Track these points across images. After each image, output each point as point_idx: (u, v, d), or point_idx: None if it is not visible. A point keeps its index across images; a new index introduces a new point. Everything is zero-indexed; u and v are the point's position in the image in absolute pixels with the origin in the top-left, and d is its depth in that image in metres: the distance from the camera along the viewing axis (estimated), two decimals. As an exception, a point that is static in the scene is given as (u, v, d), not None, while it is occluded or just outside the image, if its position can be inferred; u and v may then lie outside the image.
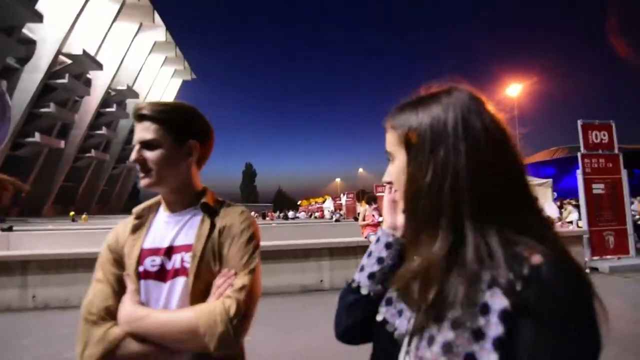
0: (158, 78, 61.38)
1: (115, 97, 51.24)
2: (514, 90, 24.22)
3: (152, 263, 0.96)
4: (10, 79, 33.12)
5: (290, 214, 44.38)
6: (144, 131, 0.98)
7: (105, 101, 48.02)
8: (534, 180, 12.50)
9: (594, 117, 8.02)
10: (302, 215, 45.12)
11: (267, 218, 41.59)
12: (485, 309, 0.51)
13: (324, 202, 48.72)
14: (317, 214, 44.65)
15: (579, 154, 7.89)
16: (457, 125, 0.59)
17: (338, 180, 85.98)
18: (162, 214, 1.05)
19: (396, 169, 0.68)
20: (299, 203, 76.12)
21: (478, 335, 0.50)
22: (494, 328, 0.50)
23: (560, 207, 13.18)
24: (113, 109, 50.33)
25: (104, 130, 49.22)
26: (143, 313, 0.89)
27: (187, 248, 0.96)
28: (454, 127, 0.59)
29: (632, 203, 9.54)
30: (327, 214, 38.93)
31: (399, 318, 0.64)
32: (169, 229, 1.01)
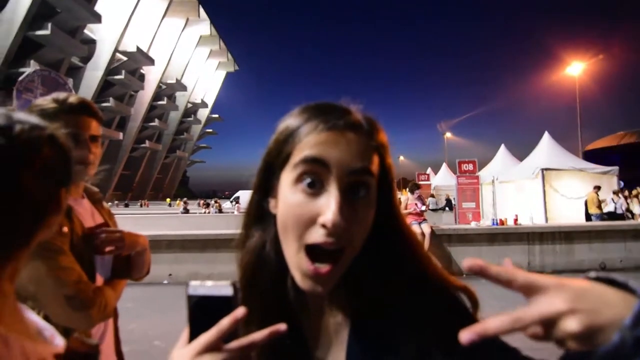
0: (204, 71, 63.92)
1: (166, 91, 54.28)
2: (576, 68, 22.06)
3: None
4: (75, 76, 36.26)
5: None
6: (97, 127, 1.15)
7: (157, 95, 51.06)
8: (597, 169, 11.43)
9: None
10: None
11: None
12: None
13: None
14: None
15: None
16: None
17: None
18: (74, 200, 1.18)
19: None
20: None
21: None
22: None
23: (636, 197, 11.97)
24: (164, 102, 53.41)
25: (156, 122, 52.48)
26: None
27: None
28: None
29: None
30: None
31: None
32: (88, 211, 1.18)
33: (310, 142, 0.47)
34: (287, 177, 0.48)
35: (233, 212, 25.73)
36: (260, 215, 0.53)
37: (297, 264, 0.47)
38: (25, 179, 0.44)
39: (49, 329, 0.52)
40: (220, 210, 27.40)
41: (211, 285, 0.38)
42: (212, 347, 0.37)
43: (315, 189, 0.46)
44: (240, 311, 0.38)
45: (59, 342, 0.51)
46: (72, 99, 1.08)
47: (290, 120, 0.50)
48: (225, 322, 0.38)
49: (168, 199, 43.17)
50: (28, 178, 0.45)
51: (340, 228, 0.44)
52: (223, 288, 0.38)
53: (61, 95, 1.08)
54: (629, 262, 6.55)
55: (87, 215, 1.14)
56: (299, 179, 0.47)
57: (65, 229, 0.99)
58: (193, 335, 0.39)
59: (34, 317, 0.52)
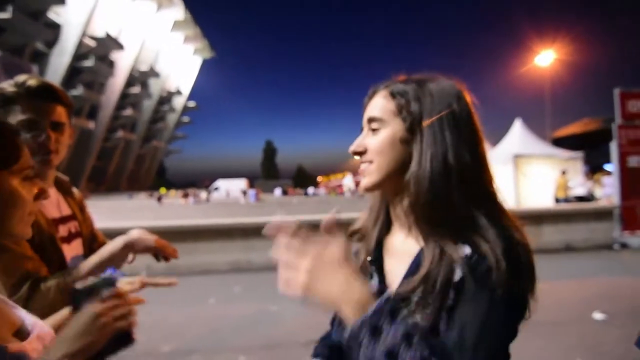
0: (179, 57, 61.70)
1: (139, 78, 52.15)
2: (545, 58, 22.79)
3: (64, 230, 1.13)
4: (40, 63, 34.29)
5: (310, 190, 45.03)
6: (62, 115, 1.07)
7: (129, 82, 49.01)
8: (564, 154, 11.97)
9: (632, 86, 7.49)
10: (322, 191, 45.80)
11: (288, 194, 42.54)
12: None
13: (343, 177, 48.78)
14: (337, 191, 44.98)
15: (613, 125, 7.48)
16: (463, 112, 0.62)
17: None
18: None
19: (384, 140, 0.63)
20: (318, 180, 76.39)
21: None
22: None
23: (597, 181, 12.64)
24: (137, 90, 51.39)
25: (129, 111, 50.54)
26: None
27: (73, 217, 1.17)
28: (460, 114, 0.61)
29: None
30: (346, 190, 39.20)
31: None
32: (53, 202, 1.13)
33: None
34: None
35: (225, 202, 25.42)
36: None
37: None
38: None
39: (29, 319, 0.53)
40: (207, 200, 27.06)
41: None
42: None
43: None
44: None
45: (42, 329, 0.52)
46: (32, 81, 1.00)
47: None
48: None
49: (163, 189, 46.90)
50: None
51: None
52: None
53: (22, 77, 1.01)
54: (592, 241, 6.98)
55: (52, 205, 1.10)
56: None
57: None
58: None
59: (16, 310, 0.53)
